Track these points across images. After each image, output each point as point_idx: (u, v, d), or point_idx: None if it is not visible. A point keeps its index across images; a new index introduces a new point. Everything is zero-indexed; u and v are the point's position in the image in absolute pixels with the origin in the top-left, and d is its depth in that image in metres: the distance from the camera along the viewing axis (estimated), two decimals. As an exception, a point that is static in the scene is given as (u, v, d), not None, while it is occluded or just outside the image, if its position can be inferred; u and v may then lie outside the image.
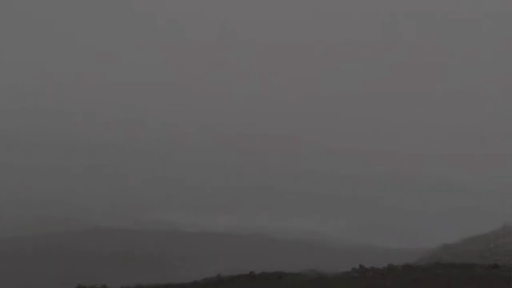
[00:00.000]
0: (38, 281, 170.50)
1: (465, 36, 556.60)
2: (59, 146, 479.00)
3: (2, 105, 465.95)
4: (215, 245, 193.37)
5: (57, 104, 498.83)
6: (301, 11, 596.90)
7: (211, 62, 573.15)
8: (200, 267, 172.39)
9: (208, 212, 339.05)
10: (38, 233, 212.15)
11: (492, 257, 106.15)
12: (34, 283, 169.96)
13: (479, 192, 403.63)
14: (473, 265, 49.72)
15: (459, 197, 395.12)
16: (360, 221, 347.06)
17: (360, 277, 44.55)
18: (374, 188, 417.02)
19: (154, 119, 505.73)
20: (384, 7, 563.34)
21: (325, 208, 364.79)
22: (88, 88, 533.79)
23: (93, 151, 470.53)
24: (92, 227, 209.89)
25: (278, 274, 42.38)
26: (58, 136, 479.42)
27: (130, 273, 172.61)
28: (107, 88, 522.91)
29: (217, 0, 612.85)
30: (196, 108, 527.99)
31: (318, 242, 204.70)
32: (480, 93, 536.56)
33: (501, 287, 42.08)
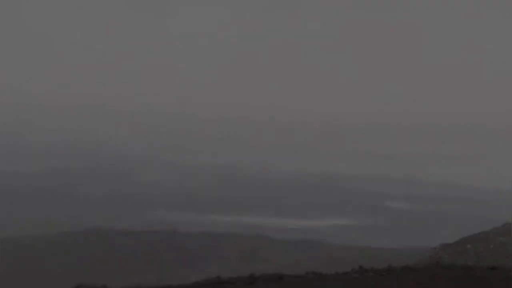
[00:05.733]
0: (38, 281, 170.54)
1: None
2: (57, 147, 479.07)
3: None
4: (215, 245, 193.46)
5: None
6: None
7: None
8: (200, 268, 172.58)
9: (208, 212, 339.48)
10: (38, 233, 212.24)
11: (492, 257, 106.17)
12: (34, 283, 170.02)
13: (479, 192, 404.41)
14: (472, 266, 49.73)
15: (459, 197, 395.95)
16: (360, 221, 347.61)
17: (359, 278, 44.55)
18: (374, 188, 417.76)
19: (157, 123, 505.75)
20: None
21: (325, 208, 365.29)
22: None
23: (92, 151, 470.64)
24: (92, 227, 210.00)
25: (279, 276, 42.42)
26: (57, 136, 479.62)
27: (130, 273, 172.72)
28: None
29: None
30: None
31: (318, 242, 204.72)
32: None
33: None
